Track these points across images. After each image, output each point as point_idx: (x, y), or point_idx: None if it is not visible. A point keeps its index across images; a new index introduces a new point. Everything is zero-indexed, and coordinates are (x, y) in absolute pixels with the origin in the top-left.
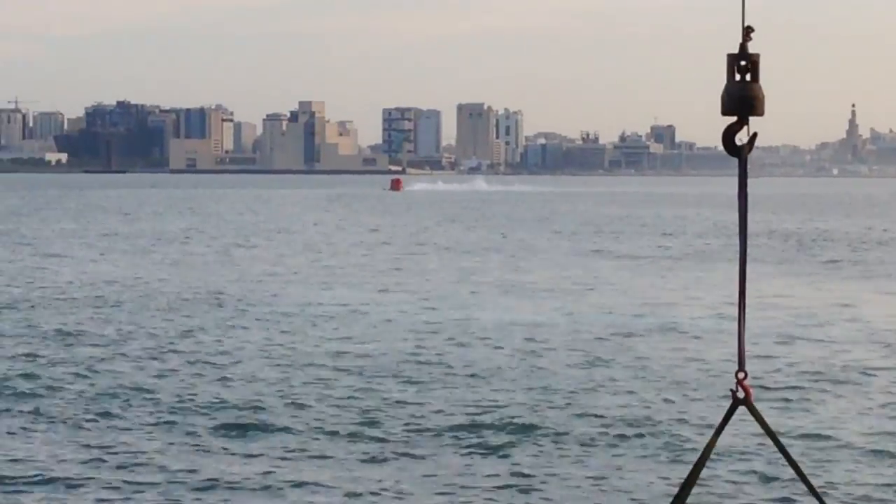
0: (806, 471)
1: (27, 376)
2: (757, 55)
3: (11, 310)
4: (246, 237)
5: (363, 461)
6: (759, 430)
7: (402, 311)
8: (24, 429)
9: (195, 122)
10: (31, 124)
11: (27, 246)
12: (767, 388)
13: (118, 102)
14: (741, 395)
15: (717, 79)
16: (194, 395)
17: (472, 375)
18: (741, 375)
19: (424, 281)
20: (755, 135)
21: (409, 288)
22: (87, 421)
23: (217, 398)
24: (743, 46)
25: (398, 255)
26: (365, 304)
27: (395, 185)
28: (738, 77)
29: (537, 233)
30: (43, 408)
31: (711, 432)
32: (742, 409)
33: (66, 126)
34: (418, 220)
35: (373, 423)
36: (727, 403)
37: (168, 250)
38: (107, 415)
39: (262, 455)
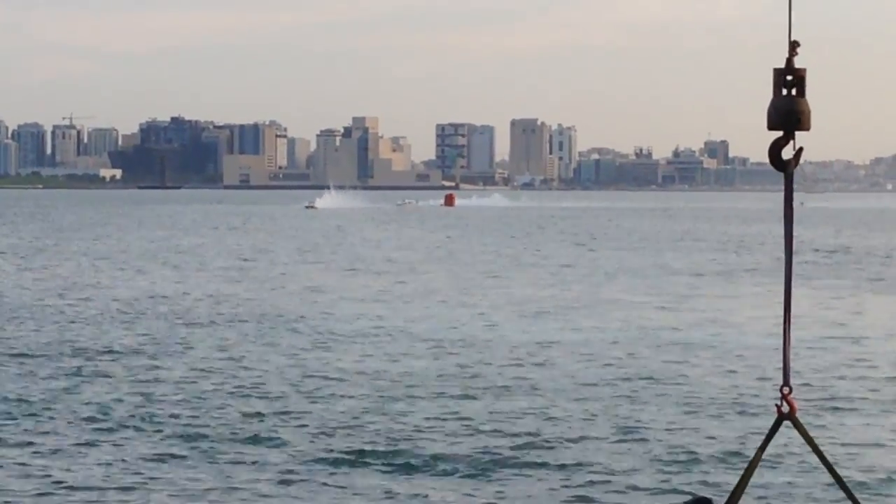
0: (850, 485)
1: (56, 391)
2: (803, 70)
3: (56, 324)
4: (308, 253)
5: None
6: (805, 444)
7: (458, 326)
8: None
9: (249, 137)
10: (85, 140)
11: (83, 261)
12: (813, 404)
13: (172, 118)
14: (786, 409)
15: (771, 94)
16: (242, 413)
17: (512, 391)
18: (786, 390)
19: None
20: (801, 150)
21: (458, 302)
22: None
23: (276, 421)
24: (789, 61)
25: (453, 271)
26: (424, 319)
27: (449, 201)
28: (784, 92)
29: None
30: (84, 421)
31: (756, 447)
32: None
33: (120, 142)
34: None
35: (413, 441)
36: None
37: (224, 265)
38: (149, 430)
39: (308, 470)
